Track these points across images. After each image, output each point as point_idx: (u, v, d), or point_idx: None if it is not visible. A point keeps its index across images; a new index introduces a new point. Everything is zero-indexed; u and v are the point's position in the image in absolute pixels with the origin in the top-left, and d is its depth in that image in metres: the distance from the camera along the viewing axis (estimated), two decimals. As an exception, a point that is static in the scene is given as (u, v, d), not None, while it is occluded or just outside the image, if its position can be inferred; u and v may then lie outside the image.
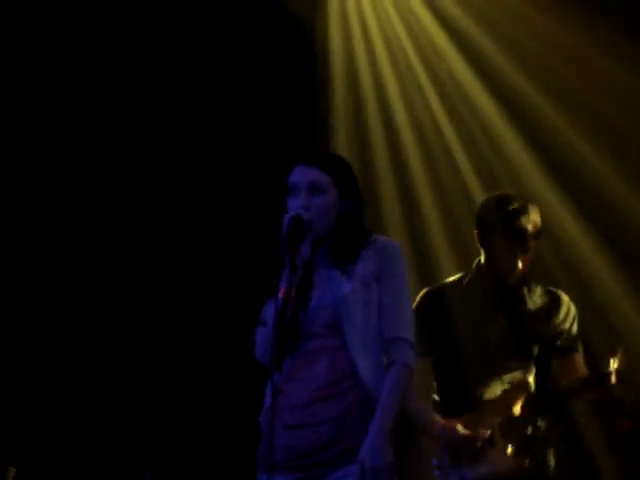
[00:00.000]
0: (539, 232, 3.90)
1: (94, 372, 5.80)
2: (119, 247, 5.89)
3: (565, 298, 3.98)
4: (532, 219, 3.86)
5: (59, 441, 5.74)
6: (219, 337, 5.70)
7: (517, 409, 3.72)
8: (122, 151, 5.89)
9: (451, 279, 4.05)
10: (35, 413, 5.73)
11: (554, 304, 3.95)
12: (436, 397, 3.93)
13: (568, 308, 3.95)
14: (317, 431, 3.06)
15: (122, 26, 5.77)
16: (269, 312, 3.09)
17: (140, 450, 5.74)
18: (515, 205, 3.85)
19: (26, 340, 5.76)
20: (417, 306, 3.87)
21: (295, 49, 5.80)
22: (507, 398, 3.77)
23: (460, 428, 3.75)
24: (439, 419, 3.79)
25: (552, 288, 4.02)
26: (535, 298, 3.94)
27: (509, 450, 3.71)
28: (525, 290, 3.93)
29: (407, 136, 5.81)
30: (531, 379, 3.86)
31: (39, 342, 5.79)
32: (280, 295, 3.06)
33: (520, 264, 3.87)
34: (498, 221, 3.85)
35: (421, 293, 4.00)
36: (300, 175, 3.18)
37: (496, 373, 3.83)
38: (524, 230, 3.83)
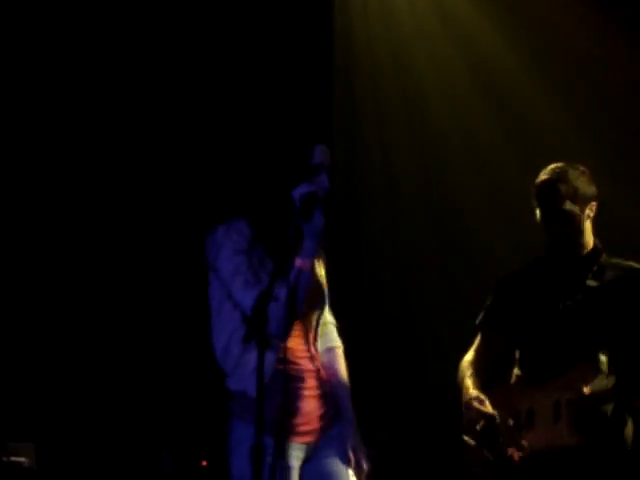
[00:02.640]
0: (584, 196, 3.77)
1: (110, 356, 5.87)
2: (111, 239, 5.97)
3: None
4: (572, 184, 3.75)
5: (78, 422, 5.80)
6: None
7: (587, 389, 3.67)
8: (127, 145, 5.98)
9: (525, 263, 4.04)
10: (55, 395, 5.80)
11: (630, 279, 3.79)
12: (517, 371, 3.93)
13: None
14: (320, 399, 3.37)
15: (122, 15, 5.85)
16: (282, 289, 3.17)
17: (157, 433, 5.79)
18: (548, 174, 3.78)
19: (43, 328, 5.84)
20: (494, 290, 3.96)
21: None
22: (575, 376, 3.71)
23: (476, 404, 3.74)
24: None
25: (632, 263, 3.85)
26: (609, 272, 3.81)
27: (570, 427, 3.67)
28: (596, 263, 3.82)
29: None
30: (603, 357, 3.74)
31: (55, 329, 5.86)
32: (297, 264, 3.20)
33: (579, 234, 3.79)
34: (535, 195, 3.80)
35: (498, 278, 4.04)
36: (325, 156, 3.28)
37: (565, 350, 3.76)
38: (560, 196, 3.73)
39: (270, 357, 3.20)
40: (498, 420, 3.68)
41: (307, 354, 3.36)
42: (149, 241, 6.01)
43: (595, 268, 3.81)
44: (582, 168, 3.82)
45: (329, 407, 3.34)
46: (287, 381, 3.22)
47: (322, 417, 3.31)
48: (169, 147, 6.00)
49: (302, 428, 3.28)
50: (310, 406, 3.29)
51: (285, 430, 3.21)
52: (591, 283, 3.80)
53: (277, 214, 3.34)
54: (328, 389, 3.36)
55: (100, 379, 5.83)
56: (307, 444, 3.30)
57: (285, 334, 3.20)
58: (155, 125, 5.98)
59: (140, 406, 5.85)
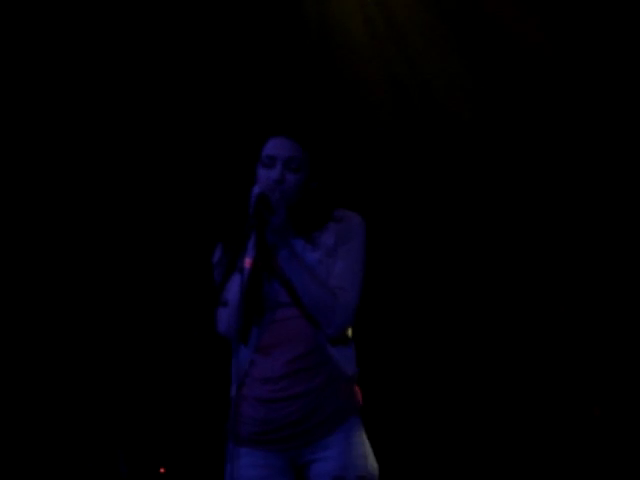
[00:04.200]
0: None
1: (69, 358, 5.80)
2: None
3: None
4: None
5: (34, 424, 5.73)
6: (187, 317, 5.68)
7: None
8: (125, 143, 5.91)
9: None
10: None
11: None
12: None
13: None
14: (290, 405, 3.07)
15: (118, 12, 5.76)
16: (232, 291, 3.07)
17: (114, 438, 5.72)
18: None
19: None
20: None
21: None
22: None
23: None
24: None
25: None
26: None
27: None
28: None
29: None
30: None
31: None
32: (246, 265, 3.03)
33: None
34: None
35: None
36: (279, 148, 3.14)
37: None
38: None
39: (238, 359, 3.13)
40: None
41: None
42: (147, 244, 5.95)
43: None
44: None
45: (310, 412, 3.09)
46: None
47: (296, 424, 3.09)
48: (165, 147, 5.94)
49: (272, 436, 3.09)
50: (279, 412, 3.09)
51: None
52: None
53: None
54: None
55: (58, 381, 5.76)
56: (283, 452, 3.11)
57: (243, 336, 3.08)
58: (154, 125, 5.92)
59: (98, 410, 5.77)
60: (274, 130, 3.17)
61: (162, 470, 5.68)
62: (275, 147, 3.14)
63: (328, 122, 5.57)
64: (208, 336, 3.37)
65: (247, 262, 3.03)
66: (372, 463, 3.11)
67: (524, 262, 5.73)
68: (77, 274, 5.84)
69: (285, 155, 3.12)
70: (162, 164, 5.89)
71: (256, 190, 3.04)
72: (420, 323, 5.86)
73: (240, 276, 3.01)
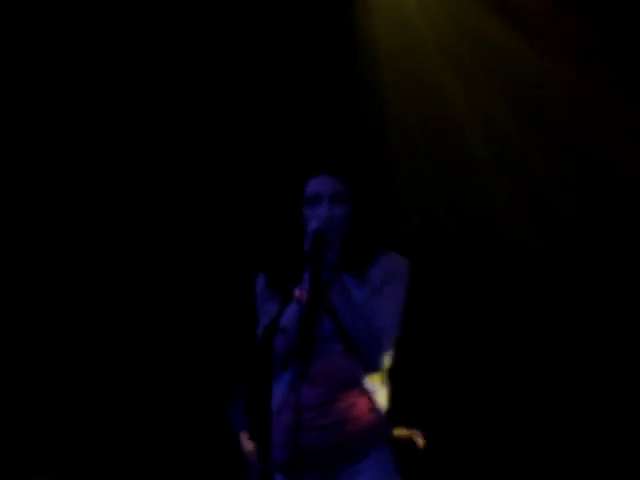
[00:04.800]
0: None
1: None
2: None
3: None
4: None
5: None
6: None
7: None
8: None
9: None
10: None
11: None
12: None
13: None
14: (324, 433, 3.22)
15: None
16: (286, 318, 3.21)
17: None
18: None
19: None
20: None
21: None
22: None
23: None
24: None
25: None
26: None
27: None
28: None
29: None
30: None
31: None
32: (302, 297, 3.18)
33: None
34: None
35: None
36: (322, 185, 3.28)
37: None
38: None
39: (277, 389, 3.30)
40: None
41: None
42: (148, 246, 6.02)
43: None
44: None
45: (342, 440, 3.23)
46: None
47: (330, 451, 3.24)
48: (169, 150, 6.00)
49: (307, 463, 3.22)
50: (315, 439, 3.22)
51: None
52: None
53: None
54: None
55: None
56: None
57: (285, 365, 3.23)
58: (159, 127, 5.98)
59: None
60: (313, 170, 3.32)
61: None
62: (318, 185, 3.29)
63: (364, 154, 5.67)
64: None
65: (302, 295, 3.18)
66: None
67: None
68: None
69: (329, 191, 3.26)
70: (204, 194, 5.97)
71: (312, 226, 3.18)
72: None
73: (296, 306, 3.18)
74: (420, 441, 4.01)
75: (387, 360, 3.28)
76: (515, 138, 5.84)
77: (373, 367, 3.25)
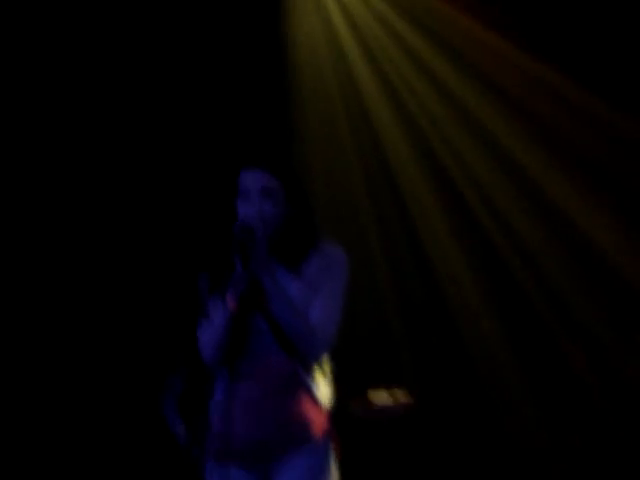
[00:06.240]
0: None
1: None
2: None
3: None
4: None
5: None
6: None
7: None
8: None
9: None
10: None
11: None
12: None
13: None
14: (260, 426, 3.23)
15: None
16: (216, 312, 3.22)
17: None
18: None
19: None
20: None
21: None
22: None
23: None
24: None
25: None
26: None
27: None
28: None
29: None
30: None
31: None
32: (229, 307, 3.18)
33: None
34: None
35: None
36: (252, 180, 3.26)
37: None
38: None
39: (217, 384, 3.32)
40: None
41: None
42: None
43: None
44: None
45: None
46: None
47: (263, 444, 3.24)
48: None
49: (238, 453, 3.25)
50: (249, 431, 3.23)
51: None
52: None
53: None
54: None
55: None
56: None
57: (229, 364, 3.23)
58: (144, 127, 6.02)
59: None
60: (246, 163, 3.30)
61: None
62: (248, 180, 3.26)
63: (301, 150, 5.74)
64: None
65: (230, 303, 3.17)
66: None
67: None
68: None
69: (258, 186, 3.24)
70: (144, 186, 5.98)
71: (238, 223, 3.17)
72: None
73: (224, 308, 3.17)
74: (406, 399, 3.80)
75: (324, 355, 3.27)
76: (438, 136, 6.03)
77: (309, 361, 3.25)
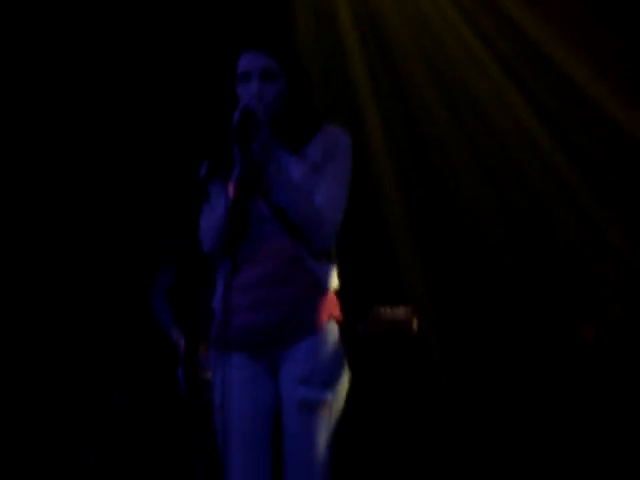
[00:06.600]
0: None
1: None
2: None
3: None
4: None
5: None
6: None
7: None
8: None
9: None
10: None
11: None
12: None
13: None
14: (267, 312, 3.13)
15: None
16: (216, 211, 3.12)
17: (110, 371, 5.80)
18: None
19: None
20: None
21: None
22: None
23: None
24: None
25: None
26: None
27: None
28: None
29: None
30: None
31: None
32: (230, 194, 3.08)
33: None
34: None
35: None
36: (251, 61, 3.16)
37: None
38: None
39: (219, 272, 3.22)
40: None
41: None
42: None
43: None
44: None
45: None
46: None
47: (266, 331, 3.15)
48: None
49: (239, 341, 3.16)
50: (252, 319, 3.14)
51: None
52: None
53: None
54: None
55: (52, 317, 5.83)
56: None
57: (230, 253, 3.13)
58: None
59: (93, 345, 5.84)
60: (243, 45, 3.19)
61: None
62: (247, 61, 3.16)
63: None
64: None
65: (230, 191, 3.08)
66: (340, 372, 3.17)
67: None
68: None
69: (258, 67, 3.14)
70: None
71: (240, 106, 3.06)
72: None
73: (225, 194, 3.07)
74: (414, 322, 3.75)
75: (331, 239, 3.17)
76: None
77: (316, 246, 3.14)
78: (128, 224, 5.96)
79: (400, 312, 3.66)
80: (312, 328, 3.13)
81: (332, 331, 3.18)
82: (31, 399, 5.74)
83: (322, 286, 3.17)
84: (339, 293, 3.24)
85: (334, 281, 3.22)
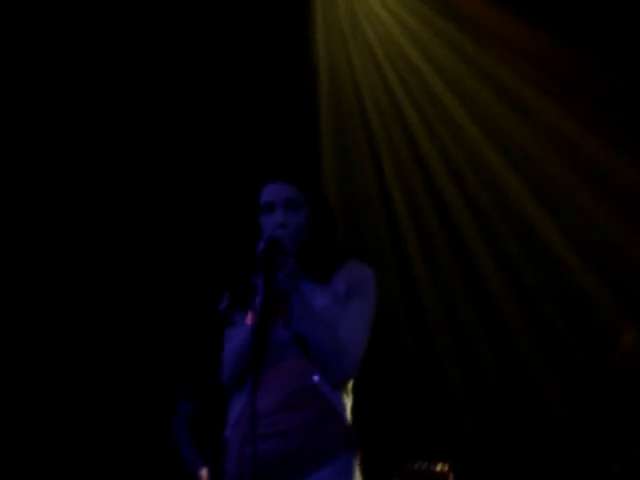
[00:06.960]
0: None
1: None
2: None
3: None
4: None
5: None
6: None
7: None
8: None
9: None
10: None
11: None
12: None
13: None
14: (280, 440, 3.07)
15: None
16: (237, 330, 3.14)
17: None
18: None
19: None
20: None
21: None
22: None
23: None
24: None
25: None
26: None
27: None
28: None
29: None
30: None
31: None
32: (250, 322, 3.08)
33: None
34: None
35: None
36: (275, 192, 3.19)
37: None
38: None
39: (233, 402, 3.18)
40: None
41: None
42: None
43: None
44: None
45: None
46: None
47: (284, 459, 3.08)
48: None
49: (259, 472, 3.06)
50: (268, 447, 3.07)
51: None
52: None
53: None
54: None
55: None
56: None
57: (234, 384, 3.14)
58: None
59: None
60: (267, 177, 3.22)
61: None
62: (271, 192, 3.19)
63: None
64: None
65: (250, 319, 3.08)
66: None
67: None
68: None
69: (283, 198, 3.16)
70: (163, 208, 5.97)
71: (265, 235, 3.09)
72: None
73: (246, 322, 3.07)
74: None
75: (351, 372, 3.14)
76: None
77: (336, 377, 3.11)
78: (147, 354, 5.92)
79: (437, 468, 3.62)
80: (328, 459, 3.07)
81: (349, 460, 3.11)
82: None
83: (337, 413, 3.11)
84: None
85: (347, 411, 3.17)
